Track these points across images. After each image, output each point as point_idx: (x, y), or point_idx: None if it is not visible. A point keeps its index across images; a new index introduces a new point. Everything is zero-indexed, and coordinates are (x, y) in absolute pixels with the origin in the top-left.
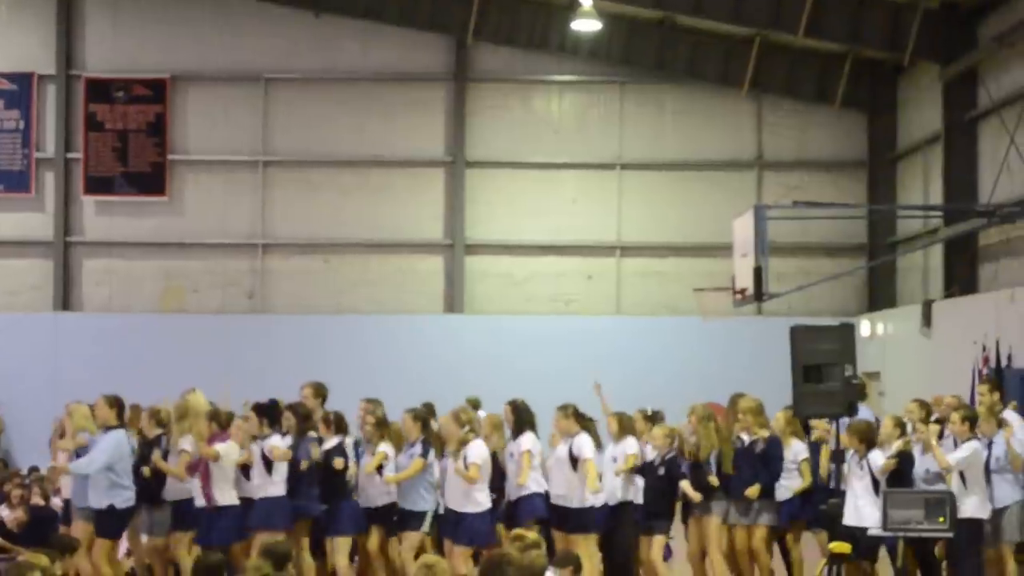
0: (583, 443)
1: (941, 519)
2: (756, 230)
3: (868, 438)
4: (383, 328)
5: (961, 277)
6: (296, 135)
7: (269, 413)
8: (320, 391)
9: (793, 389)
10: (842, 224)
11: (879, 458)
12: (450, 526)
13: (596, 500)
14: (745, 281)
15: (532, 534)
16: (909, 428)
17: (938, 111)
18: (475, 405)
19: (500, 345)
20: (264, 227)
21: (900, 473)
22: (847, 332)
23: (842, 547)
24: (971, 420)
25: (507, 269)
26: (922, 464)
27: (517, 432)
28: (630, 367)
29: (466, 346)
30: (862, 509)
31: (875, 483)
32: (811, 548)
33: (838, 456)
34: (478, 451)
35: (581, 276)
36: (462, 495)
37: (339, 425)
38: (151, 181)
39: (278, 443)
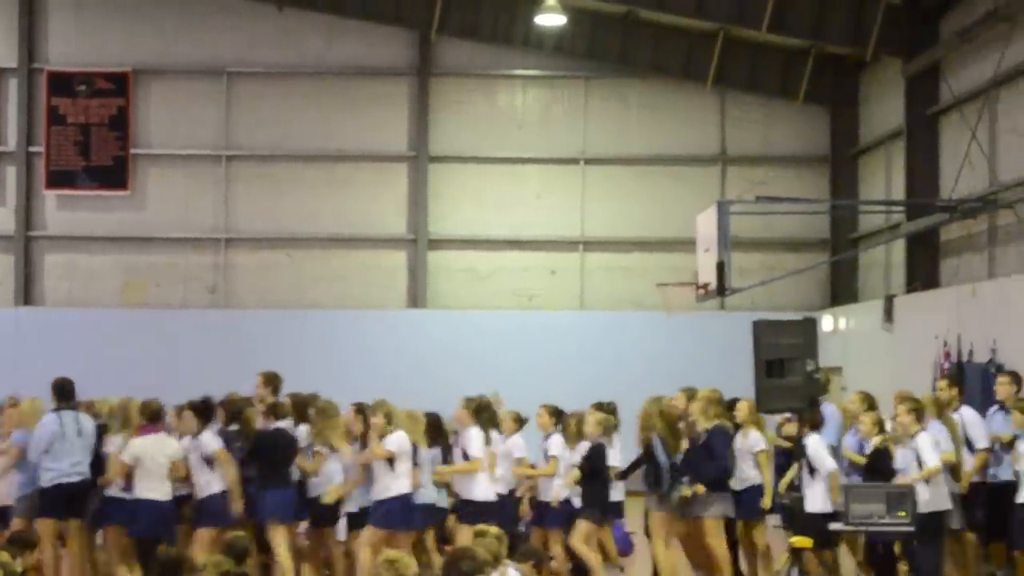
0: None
1: (902, 513)
2: (719, 225)
3: (813, 423)
4: (346, 323)
5: (923, 272)
6: (259, 129)
7: (202, 411)
8: (272, 380)
9: (755, 383)
10: (805, 219)
11: (815, 443)
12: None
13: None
14: (708, 276)
15: (494, 529)
16: (888, 426)
17: (900, 106)
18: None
19: (464, 340)
20: (227, 221)
21: (874, 469)
22: (809, 327)
23: (803, 541)
24: (918, 412)
25: (471, 264)
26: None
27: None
28: (594, 362)
29: (429, 341)
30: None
31: (810, 468)
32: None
33: (800, 450)
34: (395, 440)
35: (545, 271)
36: (377, 482)
37: (278, 413)
38: (113, 175)
39: (210, 441)
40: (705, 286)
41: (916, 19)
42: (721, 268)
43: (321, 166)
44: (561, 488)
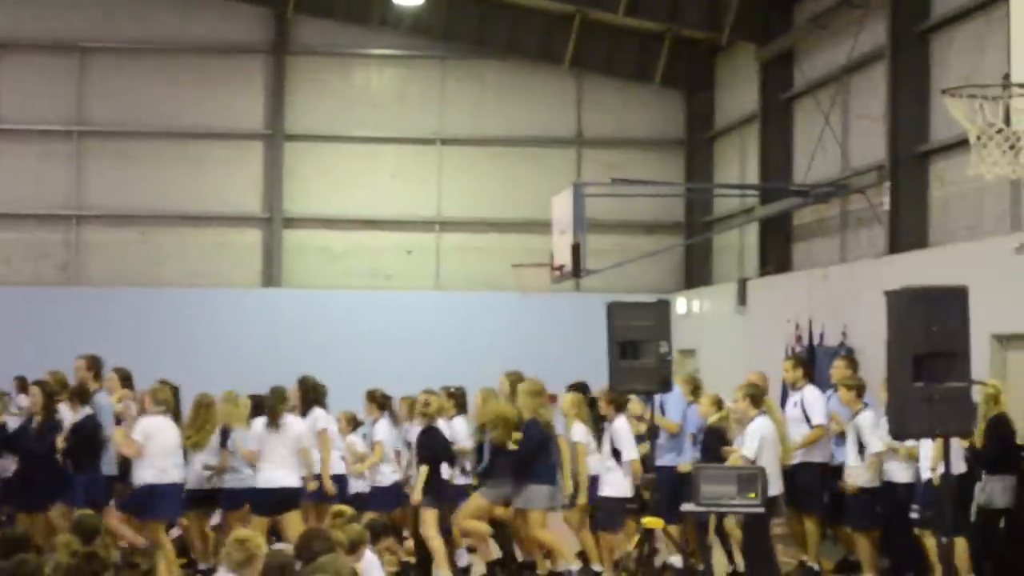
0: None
1: (752, 495)
2: (575, 207)
3: (618, 403)
4: (200, 301)
5: (776, 256)
6: (113, 105)
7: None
8: (93, 364)
9: (609, 365)
10: (660, 202)
11: (620, 424)
12: None
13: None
14: (563, 257)
15: (350, 509)
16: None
17: (755, 91)
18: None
19: (318, 319)
20: (79, 198)
21: (707, 448)
22: (663, 309)
23: (655, 522)
24: (754, 398)
25: (326, 243)
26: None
27: (306, 410)
28: (449, 342)
29: (284, 320)
30: (603, 475)
31: (614, 451)
32: None
33: (653, 432)
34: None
35: (400, 251)
36: None
37: (83, 397)
38: None
39: None
40: (560, 267)
41: (771, 5)
42: (576, 250)
43: (175, 143)
44: (388, 473)
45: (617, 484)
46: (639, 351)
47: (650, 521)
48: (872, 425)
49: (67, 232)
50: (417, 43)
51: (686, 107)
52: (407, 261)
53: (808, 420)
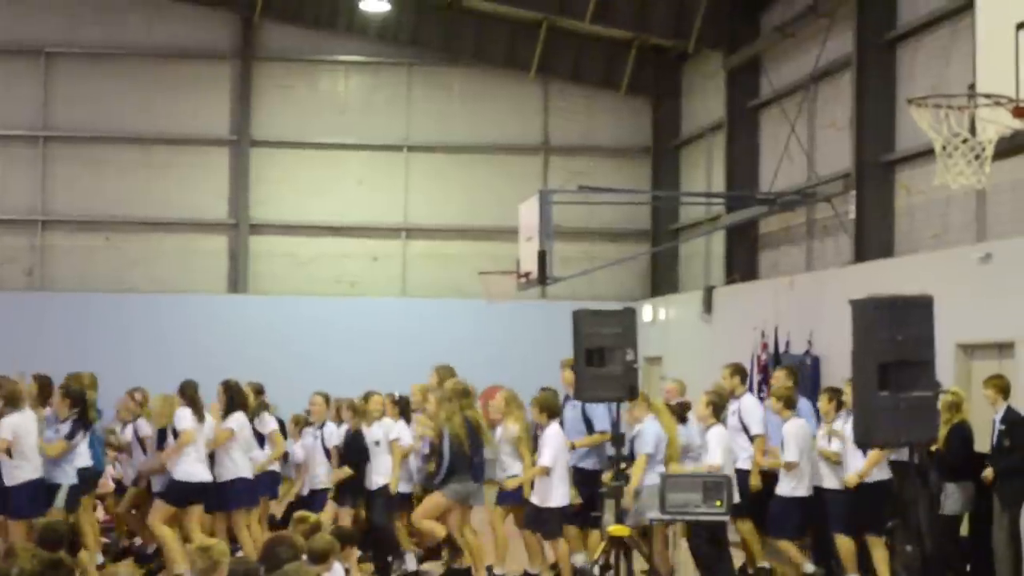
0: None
1: (718, 503)
2: (541, 214)
3: (549, 408)
4: (165, 307)
5: (742, 264)
6: (78, 110)
7: None
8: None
9: (575, 372)
10: (626, 210)
11: (553, 431)
12: None
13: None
14: (530, 265)
15: (314, 516)
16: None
17: (721, 99)
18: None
19: (284, 326)
20: (44, 203)
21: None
22: (629, 317)
23: (621, 530)
24: (715, 406)
25: (292, 249)
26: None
27: (228, 412)
28: (415, 349)
29: (249, 326)
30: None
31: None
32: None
33: (619, 440)
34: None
35: (367, 258)
36: None
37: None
38: None
39: None
40: (527, 275)
41: (737, 13)
42: (543, 257)
43: (141, 148)
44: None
45: (550, 492)
46: (605, 359)
47: (616, 529)
48: (793, 435)
49: (32, 237)
50: (384, 50)
51: (653, 115)
52: (373, 268)
53: (746, 429)
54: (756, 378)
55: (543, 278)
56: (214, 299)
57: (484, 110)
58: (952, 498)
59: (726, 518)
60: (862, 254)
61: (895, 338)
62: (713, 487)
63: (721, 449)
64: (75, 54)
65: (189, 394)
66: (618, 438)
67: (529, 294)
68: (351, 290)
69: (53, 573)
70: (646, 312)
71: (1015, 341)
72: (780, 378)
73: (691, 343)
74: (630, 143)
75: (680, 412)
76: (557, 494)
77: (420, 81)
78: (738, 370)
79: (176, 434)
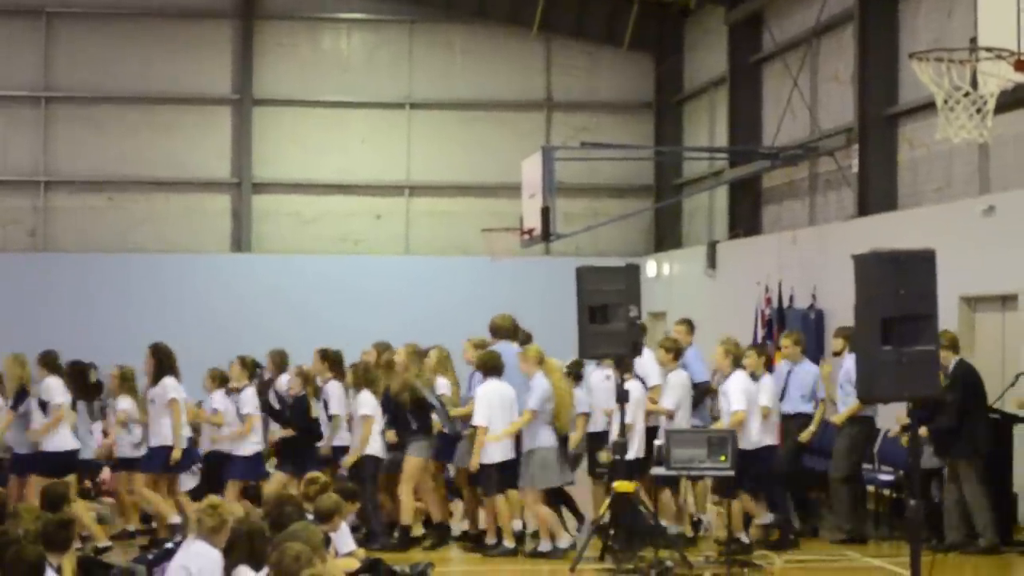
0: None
1: (723, 457)
2: (544, 171)
3: (485, 366)
4: (170, 267)
5: (745, 219)
6: (80, 71)
7: None
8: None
9: (579, 329)
10: (630, 165)
11: (484, 387)
12: None
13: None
14: (533, 221)
15: (323, 476)
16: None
17: (723, 54)
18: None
19: (288, 284)
20: (46, 164)
21: None
22: (632, 273)
23: (626, 486)
24: (676, 351)
25: (295, 208)
26: None
27: (157, 377)
28: (419, 306)
29: (254, 285)
30: None
31: None
32: None
33: (622, 395)
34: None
35: (370, 215)
36: None
37: None
38: None
39: None
40: (530, 231)
41: None
42: (546, 213)
43: (144, 108)
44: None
45: (488, 449)
46: (609, 315)
47: (621, 485)
48: (674, 385)
49: (35, 198)
50: (386, 7)
51: (655, 70)
52: (377, 225)
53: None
54: (760, 333)
55: (546, 235)
56: (218, 258)
57: (486, 67)
58: (927, 453)
59: (731, 473)
60: (865, 208)
61: (898, 292)
62: (718, 442)
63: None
64: (76, 14)
65: (52, 363)
66: (622, 393)
67: (532, 251)
68: (355, 248)
69: (58, 531)
70: (650, 267)
71: (1018, 293)
72: (682, 331)
73: (695, 298)
74: (633, 99)
75: (575, 371)
76: (494, 450)
77: (422, 39)
78: (691, 327)
79: (45, 406)
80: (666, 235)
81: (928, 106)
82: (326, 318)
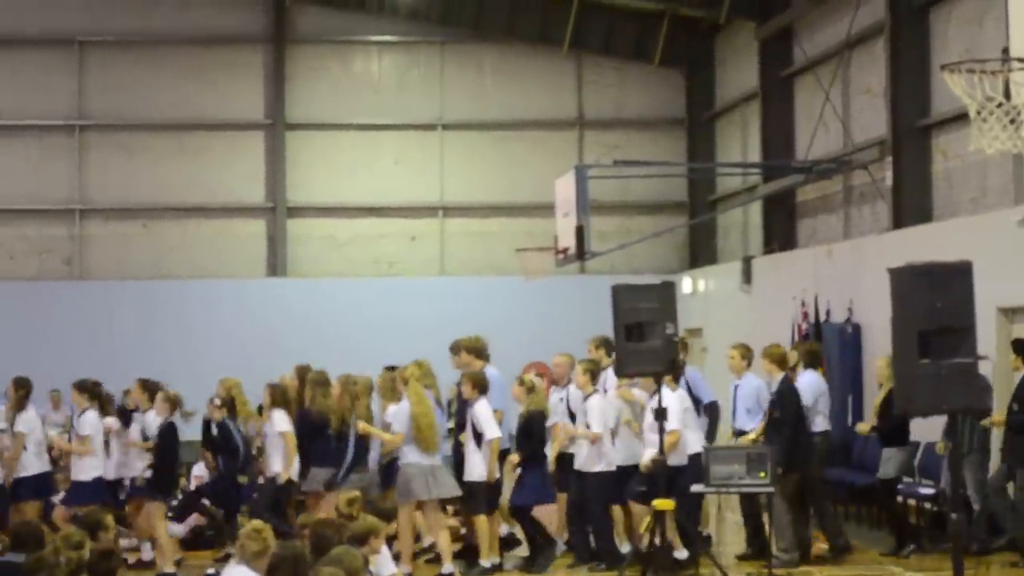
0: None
1: (762, 474)
2: (577, 189)
3: (481, 385)
4: (205, 293)
5: (780, 233)
6: (112, 99)
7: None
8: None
9: (615, 348)
10: (662, 182)
11: (481, 408)
12: None
13: None
14: (567, 240)
15: (354, 493)
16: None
17: (754, 69)
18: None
19: (324, 308)
20: (81, 192)
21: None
22: (667, 290)
23: (665, 504)
24: (592, 373)
25: (329, 231)
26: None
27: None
28: (454, 327)
29: (289, 309)
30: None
31: (476, 434)
32: None
33: (660, 414)
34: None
35: (404, 237)
36: None
37: None
38: None
39: None
40: (564, 250)
41: None
42: (580, 232)
43: (176, 135)
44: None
45: (477, 467)
46: (645, 333)
47: (661, 503)
48: (595, 409)
49: (70, 227)
50: (416, 28)
51: (686, 86)
52: (411, 247)
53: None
54: None
55: (581, 253)
56: (252, 284)
57: (517, 86)
58: (889, 462)
59: (771, 489)
60: (900, 220)
61: (934, 305)
62: (756, 459)
63: (599, 417)
64: (108, 42)
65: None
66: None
67: (567, 270)
68: (389, 270)
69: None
70: (685, 284)
71: None
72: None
73: (731, 314)
74: (664, 115)
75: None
76: (483, 469)
77: (453, 59)
78: (604, 342)
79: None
80: (701, 251)
81: (961, 116)
82: (361, 341)
